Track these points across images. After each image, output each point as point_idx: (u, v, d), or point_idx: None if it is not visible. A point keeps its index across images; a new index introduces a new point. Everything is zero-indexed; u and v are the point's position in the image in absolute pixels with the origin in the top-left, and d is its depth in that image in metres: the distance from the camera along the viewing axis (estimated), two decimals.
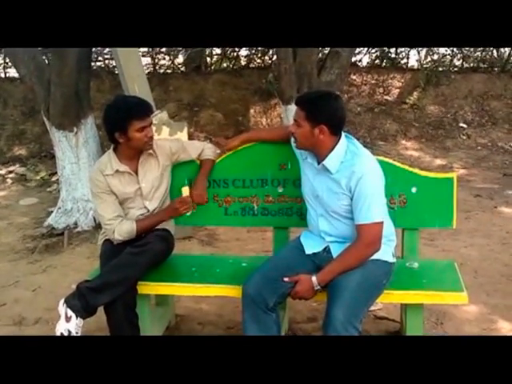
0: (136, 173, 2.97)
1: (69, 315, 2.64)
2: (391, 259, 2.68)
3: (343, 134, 2.64)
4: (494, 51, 10.35)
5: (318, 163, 2.64)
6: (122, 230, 2.90)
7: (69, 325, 2.62)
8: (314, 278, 2.54)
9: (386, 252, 2.64)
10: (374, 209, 2.52)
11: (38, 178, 7.55)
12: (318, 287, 2.55)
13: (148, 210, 3.01)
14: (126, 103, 2.91)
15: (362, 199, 2.51)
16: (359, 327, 2.41)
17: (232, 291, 2.80)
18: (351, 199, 2.56)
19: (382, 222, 2.55)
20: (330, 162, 2.58)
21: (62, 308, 2.67)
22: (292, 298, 2.65)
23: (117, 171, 2.92)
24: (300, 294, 2.58)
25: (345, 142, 2.62)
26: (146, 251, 2.81)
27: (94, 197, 2.99)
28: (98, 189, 2.93)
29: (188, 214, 3.04)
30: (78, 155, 5.36)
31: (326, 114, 2.53)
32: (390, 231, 2.71)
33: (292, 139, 2.75)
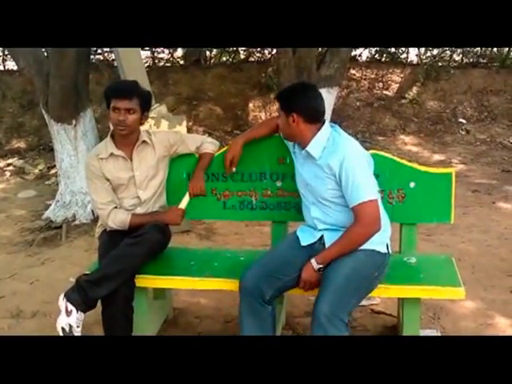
0: (131, 159, 2.99)
1: (69, 309, 2.64)
2: (384, 250, 2.68)
3: (328, 123, 2.71)
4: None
5: (303, 150, 2.70)
6: (116, 218, 2.93)
7: (69, 319, 2.62)
8: (312, 260, 2.57)
9: (379, 242, 2.64)
10: (363, 187, 2.53)
11: (37, 170, 7.55)
12: (318, 266, 2.56)
13: (140, 200, 3.02)
14: (113, 83, 3.16)
15: (350, 181, 2.53)
16: (345, 319, 2.41)
17: (230, 285, 2.81)
18: (339, 185, 2.58)
19: (376, 200, 2.56)
20: (313, 147, 2.64)
21: (62, 302, 2.67)
22: (304, 290, 2.66)
23: (111, 154, 2.96)
24: (305, 281, 2.60)
25: (328, 130, 2.68)
26: (143, 241, 2.81)
27: (88, 181, 3.03)
28: (91, 173, 2.97)
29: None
30: (76, 148, 5.35)
31: (296, 103, 2.63)
32: (383, 221, 2.71)
33: None
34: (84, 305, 2.67)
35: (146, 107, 2.97)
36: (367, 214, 2.54)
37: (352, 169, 2.53)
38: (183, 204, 3.03)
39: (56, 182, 6.16)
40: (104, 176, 2.95)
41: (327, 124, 2.69)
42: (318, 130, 2.65)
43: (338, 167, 2.55)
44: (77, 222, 5.23)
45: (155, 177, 3.04)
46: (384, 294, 2.82)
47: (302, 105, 2.62)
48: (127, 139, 2.97)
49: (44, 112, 5.42)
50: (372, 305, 3.52)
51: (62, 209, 5.36)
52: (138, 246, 2.79)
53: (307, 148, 2.64)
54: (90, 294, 2.67)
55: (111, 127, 3.05)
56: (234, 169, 3.07)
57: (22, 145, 8.47)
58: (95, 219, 5.08)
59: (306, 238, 2.78)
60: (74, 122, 5.28)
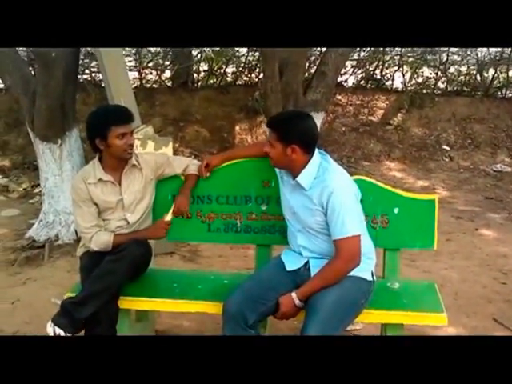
0: (119, 183, 2.97)
1: (57, 333, 2.62)
2: (369, 277, 2.69)
3: (317, 150, 2.68)
4: (478, 76, 10.52)
5: (293, 180, 2.68)
6: (98, 240, 2.90)
7: None
8: (293, 294, 2.57)
9: (365, 270, 2.65)
10: (349, 222, 2.53)
11: (21, 189, 7.48)
12: (299, 302, 2.56)
13: (128, 223, 3.00)
14: (107, 110, 3.04)
15: (336, 214, 2.53)
16: None
17: (213, 308, 2.80)
18: (325, 215, 2.58)
19: (358, 235, 2.56)
20: (303, 178, 2.62)
21: (50, 329, 2.65)
22: (278, 319, 2.66)
23: (100, 180, 2.93)
24: (284, 313, 2.61)
25: (318, 159, 2.66)
26: (124, 257, 2.78)
27: (74, 204, 3.00)
28: (77, 197, 2.93)
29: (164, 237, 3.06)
30: (61, 167, 5.32)
31: (297, 134, 2.58)
32: (368, 249, 2.72)
33: None
34: (71, 327, 2.65)
35: None
36: (349, 249, 2.55)
37: (339, 203, 2.53)
38: (168, 217, 3.01)
39: (40, 201, 6.11)
40: (91, 200, 2.92)
41: (317, 152, 2.68)
42: (310, 158, 2.63)
43: (326, 199, 2.55)
44: (60, 242, 5.18)
45: (143, 200, 3.03)
46: (367, 319, 2.82)
47: (302, 136, 2.59)
48: (119, 163, 2.95)
49: (30, 131, 5.40)
50: (355, 330, 3.52)
51: (45, 228, 5.31)
52: (120, 261, 2.77)
53: (297, 179, 2.63)
54: (75, 316, 2.65)
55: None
56: (207, 173, 3.07)
57: (6, 163, 8.39)
58: (78, 239, 5.03)
59: (291, 264, 2.78)
60: (59, 141, 5.26)
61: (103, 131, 2.83)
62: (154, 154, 4.19)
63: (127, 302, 2.88)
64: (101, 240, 2.91)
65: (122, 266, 2.78)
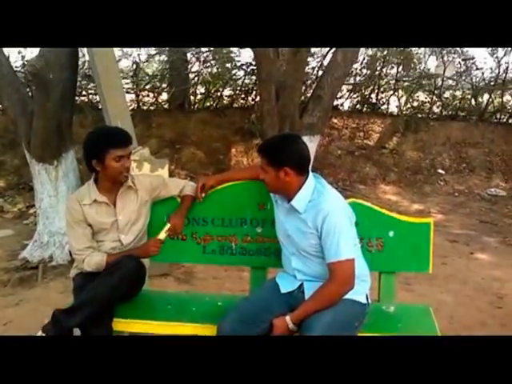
0: (114, 204, 2.96)
1: None
2: (364, 300, 2.68)
3: (311, 173, 2.69)
4: (473, 100, 10.62)
5: (288, 203, 2.68)
6: (91, 261, 2.89)
7: None
8: (287, 318, 2.55)
9: (359, 292, 2.64)
10: (343, 246, 2.53)
11: (15, 209, 7.47)
12: (293, 326, 2.55)
13: (122, 244, 2.99)
14: (105, 132, 3.00)
15: (330, 237, 2.53)
16: None
17: (207, 330, 2.77)
18: (320, 238, 2.58)
19: (352, 259, 2.55)
20: (298, 201, 2.62)
21: None
22: None
23: (95, 201, 2.92)
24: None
25: (312, 182, 2.66)
26: (117, 270, 2.76)
27: (68, 226, 2.98)
28: (72, 218, 2.92)
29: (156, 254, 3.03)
30: (56, 188, 5.33)
31: (288, 157, 2.58)
32: (363, 272, 2.72)
33: None
34: (59, 335, 2.64)
35: None
36: (343, 273, 2.54)
37: (334, 226, 2.53)
38: (161, 235, 3.00)
39: (34, 222, 6.10)
40: (86, 221, 2.91)
41: (311, 175, 2.68)
42: (305, 180, 2.64)
43: (320, 222, 2.55)
44: (53, 263, 5.15)
45: (137, 221, 3.02)
46: None
47: (293, 158, 2.59)
48: (114, 184, 2.95)
49: (26, 151, 5.41)
50: None
51: (39, 249, 5.29)
52: (112, 274, 2.76)
53: (292, 202, 2.63)
54: (64, 324, 2.65)
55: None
56: (202, 194, 3.06)
57: (1, 183, 8.39)
58: (72, 260, 4.99)
59: (286, 286, 2.77)
60: (55, 162, 5.27)
61: (100, 153, 2.83)
62: (150, 175, 4.18)
63: (121, 324, 2.85)
64: (94, 260, 2.89)
65: (114, 278, 2.75)
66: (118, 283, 2.77)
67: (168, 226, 3.01)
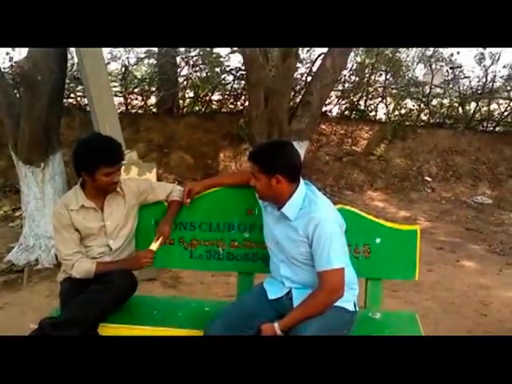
0: (102, 210, 2.95)
1: None
2: (352, 308, 2.68)
3: (302, 181, 2.68)
4: (460, 108, 10.70)
5: (278, 210, 2.67)
6: (80, 267, 2.86)
7: None
8: (276, 325, 2.54)
9: (347, 300, 2.65)
10: (334, 255, 2.52)
11: (1, 212, 7.41)
12: (280, 333, 2.54)
13: (111, 249, 2.97)
14: (98, 147, 2.85)
15: (321, 246, 2.52)
16: None
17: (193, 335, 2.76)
18: (310, 246, 2.58)
19: (342, 268, 2.55)
20: (289, 209, 2.61)
21: None
22: None
23: (82, 206, 2.91)
24: None
25: (303, 189, 2.65)
26: (111, 288, 2.75)
27: (55, 231, 2.96)
28: (59, 223, 2.90)
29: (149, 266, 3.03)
30: (43, 191, 5.29)
31: (280, 164, 2.57)
32: (351, 279, 2.72)
33: None
34: None
35: None
36: (333, 281, 2.54)
37: (325, 234, 2.52)
38: (153, 246, 2.99)
39: (20, 225, 6.05)
40: (73, 226, 2.89)
41: (302, 183, 2.67)
42: (296, 187, 2.62)
43: (312, 230, 2.54)
44: (39, 267, 5.12)
45: (125, 226, 3.01)
46: None
47: (286, 165, 2.58)
48: (102, 191, 2.93)
49: (12, 153, 5.37)
50: None
51: (25, 252, 5.25)
52: (105, 292, 2.74)
53: (283, 209, 2.62)
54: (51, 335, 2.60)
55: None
56: (188, 200, 3.05)
57: None
58: (58, 264, 4.97)
59: (274, 292, 2.77)
60: (42, 164, 5.24)
61: (91, 167, 2.80)
62: (137, 179, 4.15)
63: (107, 329, 2.83)
64: (83, 267, 2.87)
65: (107, 297, 2.74)
66: (111, 303, 2.78)
67: (160, 239, 3.00)
